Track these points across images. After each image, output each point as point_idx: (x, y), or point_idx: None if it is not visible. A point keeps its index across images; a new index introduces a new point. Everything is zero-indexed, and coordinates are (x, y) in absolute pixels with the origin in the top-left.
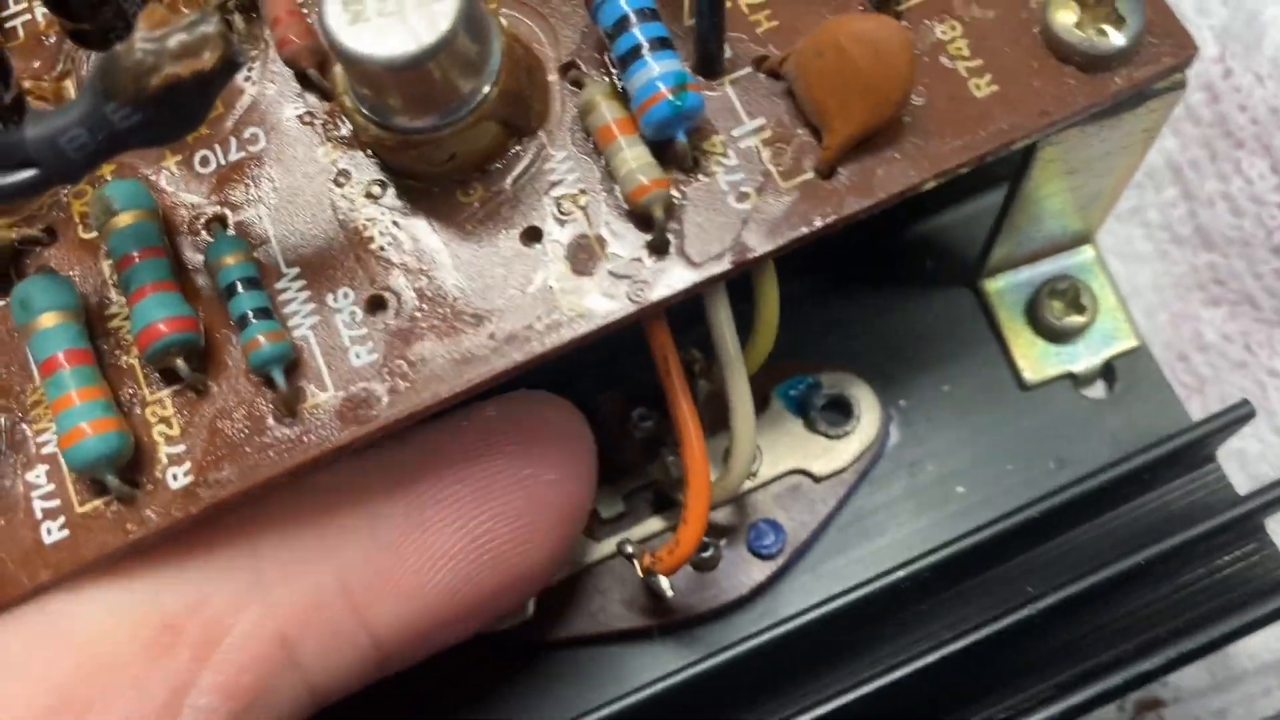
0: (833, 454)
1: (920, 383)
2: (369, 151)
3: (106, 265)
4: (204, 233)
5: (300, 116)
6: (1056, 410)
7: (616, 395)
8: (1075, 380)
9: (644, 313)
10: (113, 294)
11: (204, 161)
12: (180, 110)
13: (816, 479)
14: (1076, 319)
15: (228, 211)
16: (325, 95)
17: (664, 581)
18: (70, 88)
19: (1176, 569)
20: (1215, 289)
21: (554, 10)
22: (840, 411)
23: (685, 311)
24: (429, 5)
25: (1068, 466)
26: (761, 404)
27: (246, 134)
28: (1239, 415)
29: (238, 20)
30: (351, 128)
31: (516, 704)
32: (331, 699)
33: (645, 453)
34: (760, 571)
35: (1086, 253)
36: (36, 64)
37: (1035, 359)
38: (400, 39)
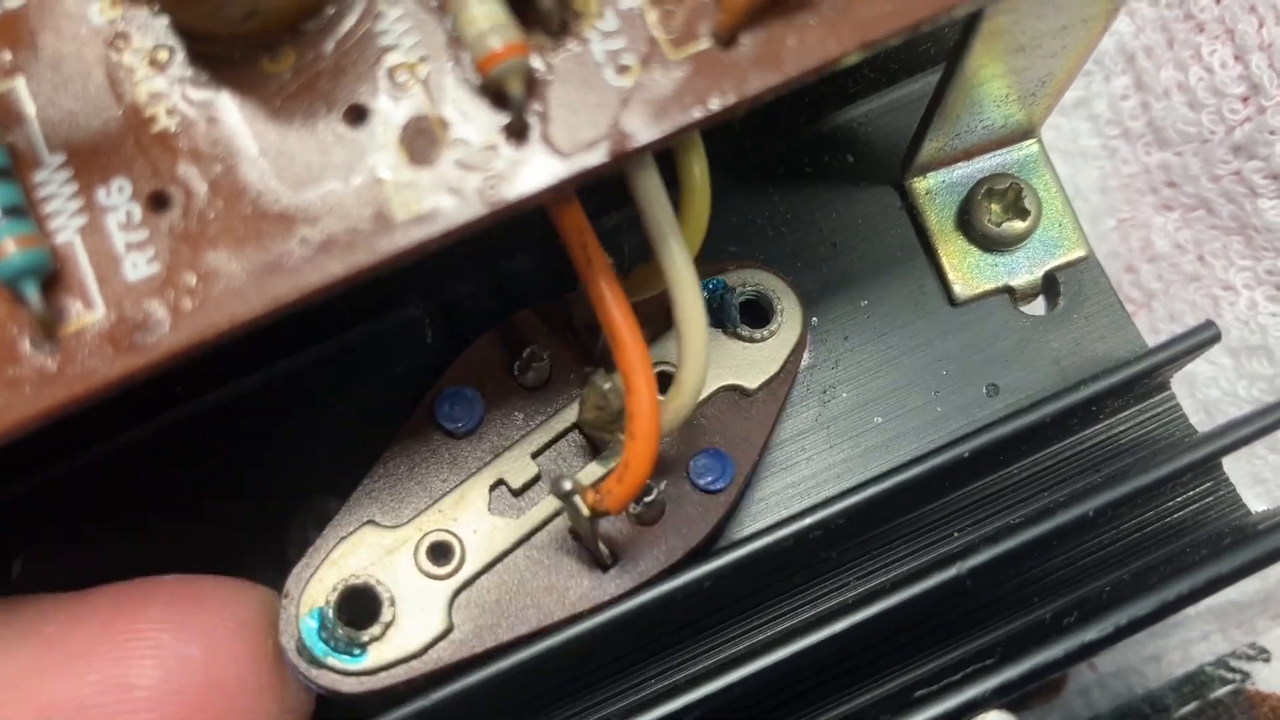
0: (760, 360)
1: (836, 297)
2: (155, 8)
3: None
4: None
5: None
6: (991, 329)
7: (489, 340)
8: (1013, 295)
9: (500, 214)
10: None
11: None
12: None
13: (748, 392)
14: (1016, 224)
15: None
16: None
17: (602, 545)
18: None
19: (1124, 513)
20: (1168, 192)
21: None
22: (758, 311)
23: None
24: None
25: (1002, 394)
26: (665, 317)
27: None
28: (1203, 339)
29: None
30: None
31: None
32: None
33: (543, 400)
34: (713, 511)
35: (1030, 147)
36: None
37: (967, 270)
38: None
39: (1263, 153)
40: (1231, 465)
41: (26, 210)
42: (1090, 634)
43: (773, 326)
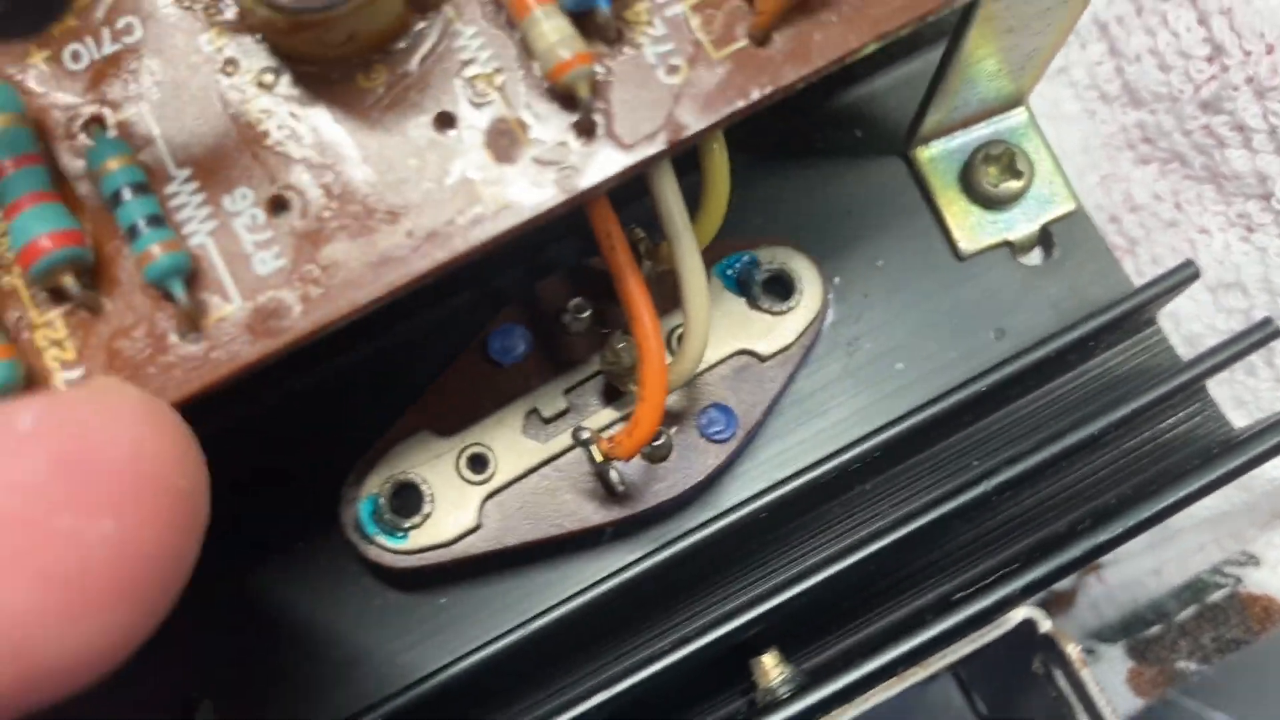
0: (777, 331)
1: (853, 258)
2: (258, 36)
3: None
4: (82, 136)
5: (178, 1)
6: (994, 279)
7: (553, 283)
8: (1012, 248)
9: (575, 201)
10: None
11: (75, 57)
12: None
13: (762, 359)
14: (1012, 184)
15: (107, 111)
16: None
17: (615, 473)
18: None
19: (1123, 435)
20: (1144, 148)
21: None
22: (781, 287)
23: (624, 186)
24: None
25: (1008, 336)
26: None
27: (120, 24)
28: (1184, 277)
29: None
30: (237, 10)
31: (461, 630)
32: None
33: (586, 345)
34: (714, 457)
35: (1020, 115)
36: None
37: (971, 228)
38: None
39: (1228, 107)
40: (1216, 390)
41: (164, 219)
42: (1102, 536)
43: (791, 303)
